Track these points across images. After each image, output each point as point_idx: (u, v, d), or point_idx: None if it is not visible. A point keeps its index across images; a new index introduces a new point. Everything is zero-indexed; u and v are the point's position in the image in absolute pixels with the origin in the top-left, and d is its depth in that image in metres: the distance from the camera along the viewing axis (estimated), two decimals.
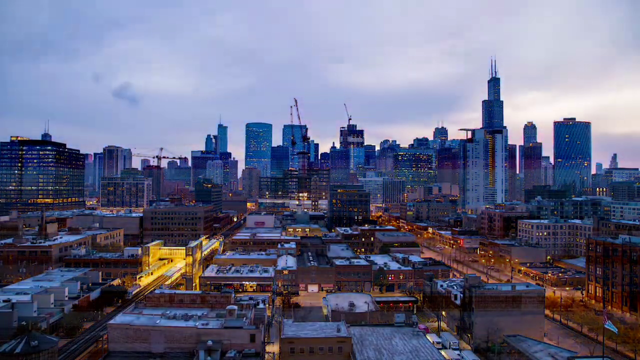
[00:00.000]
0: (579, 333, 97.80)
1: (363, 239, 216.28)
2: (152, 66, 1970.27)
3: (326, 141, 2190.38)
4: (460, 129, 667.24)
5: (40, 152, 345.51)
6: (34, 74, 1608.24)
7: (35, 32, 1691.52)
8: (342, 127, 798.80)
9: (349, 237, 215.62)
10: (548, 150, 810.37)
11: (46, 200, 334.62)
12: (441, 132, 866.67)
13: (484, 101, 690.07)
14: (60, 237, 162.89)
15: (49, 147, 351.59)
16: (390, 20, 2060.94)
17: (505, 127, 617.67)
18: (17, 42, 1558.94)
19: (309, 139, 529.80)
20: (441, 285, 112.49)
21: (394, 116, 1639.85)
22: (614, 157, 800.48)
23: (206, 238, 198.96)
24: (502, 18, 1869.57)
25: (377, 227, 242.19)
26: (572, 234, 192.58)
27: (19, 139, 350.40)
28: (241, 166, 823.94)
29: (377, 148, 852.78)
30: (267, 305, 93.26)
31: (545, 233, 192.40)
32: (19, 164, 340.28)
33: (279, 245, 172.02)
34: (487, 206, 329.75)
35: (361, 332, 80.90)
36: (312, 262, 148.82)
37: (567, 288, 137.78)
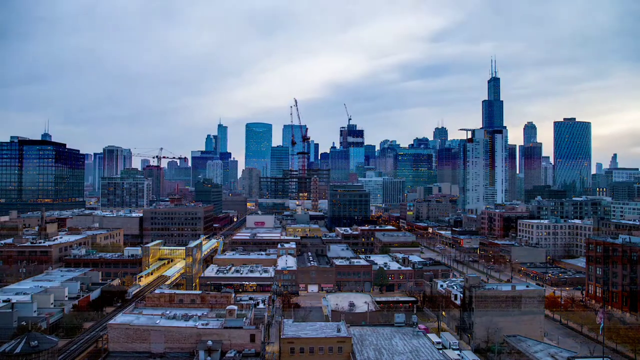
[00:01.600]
0: (579, 333, 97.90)
1: (363, 239, 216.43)
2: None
3: (326, 141, 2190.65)
4: (460, 129, 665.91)
5: (40, 152, 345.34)
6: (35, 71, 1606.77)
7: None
8: (342, 127, 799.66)
9: (349, 237, 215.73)
10: (548, 151, 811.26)
11: (46, 200, 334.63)
12: (441, 132, 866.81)
13: (484, 101, 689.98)
14: (60, 237, 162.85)
15: (49, 147, 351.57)
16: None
17: (505, 127, 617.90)
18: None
19: (308, 139, 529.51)
20: (441, 285, 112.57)
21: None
22: (614, 157, 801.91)
23: (206, 238, 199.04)
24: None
25: (377, 227, 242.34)
26: (572, 234, 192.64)
27: (19, 138, 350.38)
28: (241, 166, 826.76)
29: (377, 148, 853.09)
30: (267, 305, 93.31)
31: (545, 233, 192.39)
32: (19, 164, 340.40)
33: (279, 245, 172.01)
34: (487, 206, 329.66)
35: (361, 332, 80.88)
36: (312, 262, 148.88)
37: (567, 288, 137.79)
